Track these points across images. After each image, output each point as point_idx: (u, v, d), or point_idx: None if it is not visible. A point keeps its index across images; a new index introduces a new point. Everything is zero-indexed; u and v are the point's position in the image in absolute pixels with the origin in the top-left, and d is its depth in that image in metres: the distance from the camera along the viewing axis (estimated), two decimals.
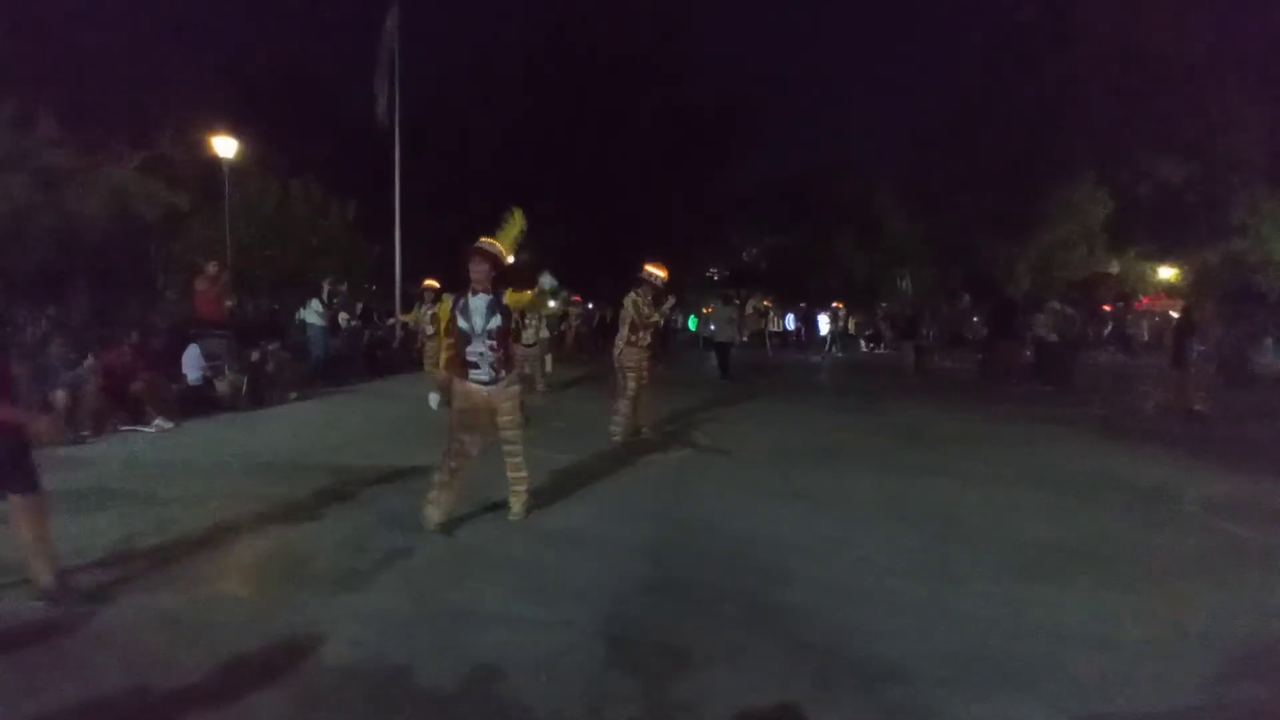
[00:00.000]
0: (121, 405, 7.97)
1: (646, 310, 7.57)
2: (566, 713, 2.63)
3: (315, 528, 4.73)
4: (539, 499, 5.07)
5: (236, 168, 14.92)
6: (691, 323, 20.30)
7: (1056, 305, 14.51)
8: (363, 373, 13.11)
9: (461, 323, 4.52)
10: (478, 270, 4.49)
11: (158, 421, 7.93)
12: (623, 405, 7.57)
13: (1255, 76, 21.20)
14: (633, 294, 7.64)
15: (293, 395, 10.33)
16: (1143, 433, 8.90)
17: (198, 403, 8.90)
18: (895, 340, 23.55)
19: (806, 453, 7.36)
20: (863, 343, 25.71)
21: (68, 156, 13.35)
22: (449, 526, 4.56)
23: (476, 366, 4.54)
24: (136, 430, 7.77)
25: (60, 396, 7.41)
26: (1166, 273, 25.91)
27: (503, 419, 4.67)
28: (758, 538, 4.59)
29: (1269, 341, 17.68)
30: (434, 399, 8.63)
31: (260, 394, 9.85)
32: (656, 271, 7.62)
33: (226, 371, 9.58)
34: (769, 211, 33.91)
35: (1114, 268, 24.36)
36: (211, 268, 11.01)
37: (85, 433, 7.41)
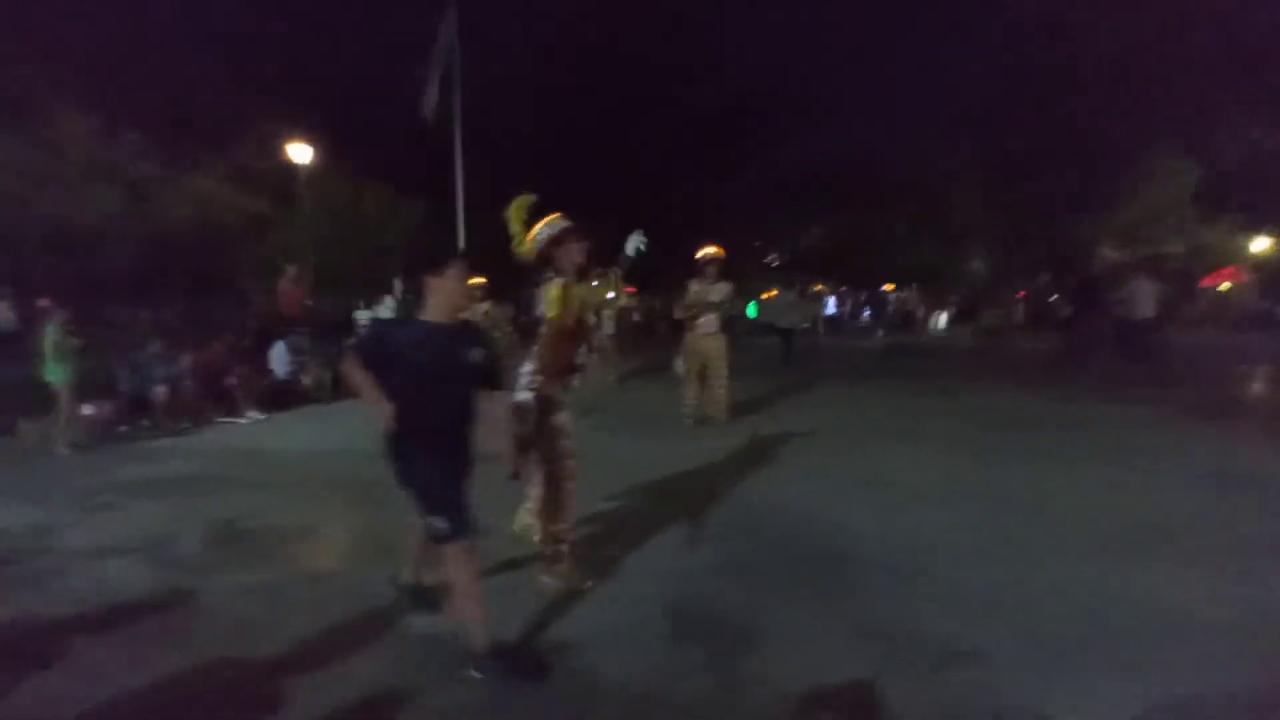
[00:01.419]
0: (217, 399, 8.52)
1: (703, 296, 7.60)
2: (641, 682, 2.72)
3: (398, 511, 4.93)
4: (606, 484, 5.16)
5: (311, 172, 15.59)
6: (751, 310, 20.01)
7: (1143, 280, 13.71)
8: None
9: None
10: (578, 252, 3.64)
11: (250, 413, 8.45)
12: (688, 391, 7.66)
13: None
14: (692, 282, 7.70)
15: None
16: (1232, 414, 8.40)
17: (286, 396, 9.43)
18: (955, 322, 22.73)
19: (875, 436, 7.24)
20: (935, 324, 24.79)
21: (153, 167, 14.21)
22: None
23: (580, 370, 3.76)
24: (231, 422, 8.29)
25: (160, 392, 7.98)
26: (1260, 244, 24.19)
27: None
28: (826, 521, 4.58)
29: None
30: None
31: (343, 387, 10.35)
32: (712, 252, 7.62)
33: (311, 366, 10.08)
34: (828, 195, 33.24)
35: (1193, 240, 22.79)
36: (291, 269, 11.56)
37: (185, 425, 7.96)
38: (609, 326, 11.09)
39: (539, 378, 3.56)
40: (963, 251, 28.61)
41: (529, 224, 3.69)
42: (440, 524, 2.77)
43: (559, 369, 3.58)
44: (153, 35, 16.89)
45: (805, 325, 20.86)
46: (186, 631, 3.22)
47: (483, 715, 2.55)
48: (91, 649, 3.05)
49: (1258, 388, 10.85)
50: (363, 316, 13.20)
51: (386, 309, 13.25)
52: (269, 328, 10.70)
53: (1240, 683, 2.68)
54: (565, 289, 3.54)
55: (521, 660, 2.80)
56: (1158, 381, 10.40)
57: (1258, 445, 6.62)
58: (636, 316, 12.27)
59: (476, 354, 2.86)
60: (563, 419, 3.59)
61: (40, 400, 7.25)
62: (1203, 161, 21.84)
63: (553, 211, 3.72)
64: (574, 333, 3.62)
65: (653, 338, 19.58)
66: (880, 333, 23.07)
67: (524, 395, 3.57)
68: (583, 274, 3.66)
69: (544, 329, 3.61)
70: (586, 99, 25.40)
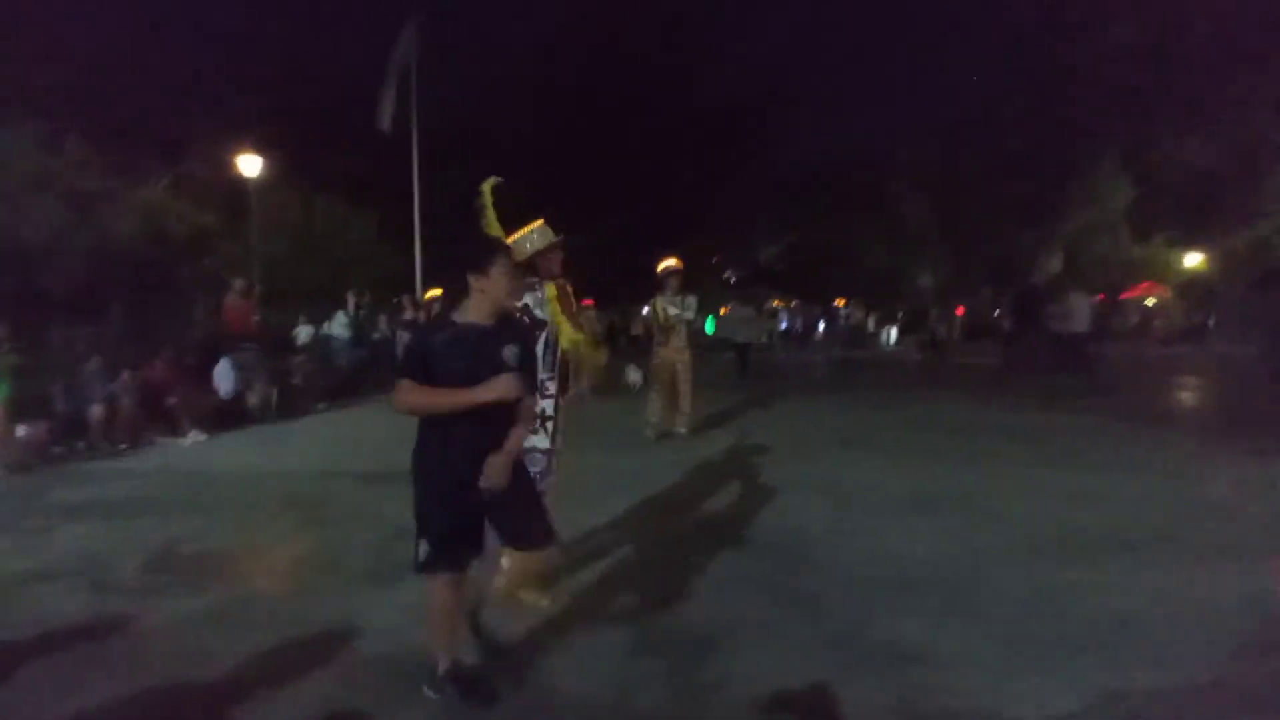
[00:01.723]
0: (157, 419, 8.21)
1: (672, 311, 7.64)
2: (598, 697, 2.69)
3: (346, 530, 4.85)
4: (568, 497, 5.12)
5: (261, 185, 15.24)
6: (709, 325, 20.10)
7: (1080, 295, 14.28)
8: (388, 384, 13.30)
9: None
10: (558, 263, 3.77)
11: (192, 434, 8.15)
12: (652, 405, 7.65)
13: None
14: (657, 297, 7.73)
15: (320, 406, 10.54)
16: (1169, 422, 8.79)
17: (230, 415, 9.11)
18: (901, 336, 23.23)
19: (830, 445, 7.37)
20: (886, 338, 25.34)
21: (98, 177, 13.72)
22: None
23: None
24: (172, 443, 7.99)
25: (97, 411, 7.66)
26: (1192, 259, 25.40)
27: None
28: (782, 528, 4.64)
29: None
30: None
31: (289, 405, 10.09)
32: (672, 265, 7.64)
33: (256, 384, 9.79)
34: (786, 210, 33.87)
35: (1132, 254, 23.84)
36: (239, 283, 11.26)
37: (123, 445, 7.65)
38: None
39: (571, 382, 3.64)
40: (912, 265, 29.39)
41: (505, 216, 3.62)
42: (422, 549, 2.58)
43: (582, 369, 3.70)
44: (100, 42, 16.36)
45: (763, 340, 21.13)
46: (125, 657, 3.08)
47: None
48: (26, 675, 2.90)
49: (1190, 396, 11.37)
50: (303, 333, 12.88)
51: (339, 325, 12.99)
52: (213, 344, 10.37)
53: (1183, 678, 2.77)
54: (562, 289, 3.62)
55: (477, 687, 2.67)
56: (1096, 392, 10.81)
57: (1197, 451, 6.93)
58: (595, 328, 12.28)
59: (510, 353, 2.56)
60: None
61: None
62: (1140, 178, 22.88)
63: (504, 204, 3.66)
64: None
65: (611, 351, 19.53)
66: (836, 349, 23.52)
67: (543, 403, 3.52)
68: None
69: (560, 338, 3.60)
70: (546, 109, 25.45)
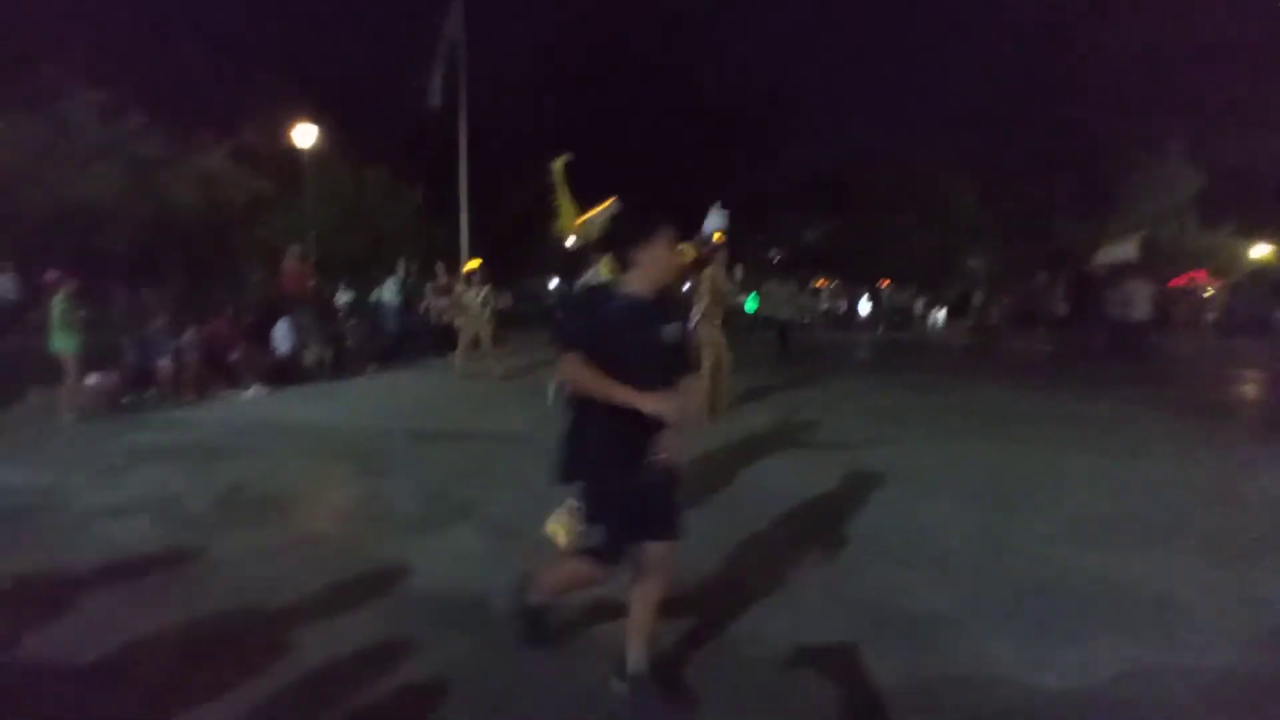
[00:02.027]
0: (220, 373, 8.63)
1: (725, 286, 7.17)
2: (621, 645, 2.81)
3: (396, 479, 5.09)
4: None
5: (314, 156, 15.62)
6: (750, 304, 19.93)
7: (1140, 282, 13.82)
8: (434, 349, 13.54)
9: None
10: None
11: (254, 388, 8.55)
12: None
13: None
14: (709, 269, 7.18)
15: (371, 367, 10.92)
16: (1220, 412, 8.52)
17: (288, 372, 9.53)
18: (950, 319, 22.75)
19: (868, 426, 7.35)
20: (934, 321, 24.81)
21: (158, 146, 14.24)
22: None
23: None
24: (235, 396, 8.39)
25: (165, 365, 8.08)
26: (1260, 250, 24.28)
27: None
28: (811, 501, 4.70)
29: None
30: None
31: (343, 365, 10.52)
32: (719, 240, 7.27)
33: (312, 344, 10.18)
34: (831, 194, 33.32)
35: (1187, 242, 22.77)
36: (296, 249, 11.64)
37: (189, 397, 8.07)
38: None
39: None
40: (962, 250, 28.70)
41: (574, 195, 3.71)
42: (597, 537, 2.40)
43: None
44: (161, 14, 16.88)
45: (804, 320, 20.94)
46: (194, 585, 3.33)
47: (478, 667, 2.65)
48: (102, 600, 3.16)
49: (1244, 389, 10.97)
50: (343, 299, 13.27)
51: (389, 291, 13.34)
52: (273, 305, 10.79)
53: (1205, 660, 2.80)
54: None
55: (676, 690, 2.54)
56: (1149, 380, 10.52)
57: (1238, 444, 6.74)
58: None
59: (672, 331, 2.44)
60: None
61: (46, 371, 7.35)
62: (1205, 167, 21.91)
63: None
64: None
65: None
66: (879, 330, 23.18)
67: None
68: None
69: None
70: (591, 96, 25.58)
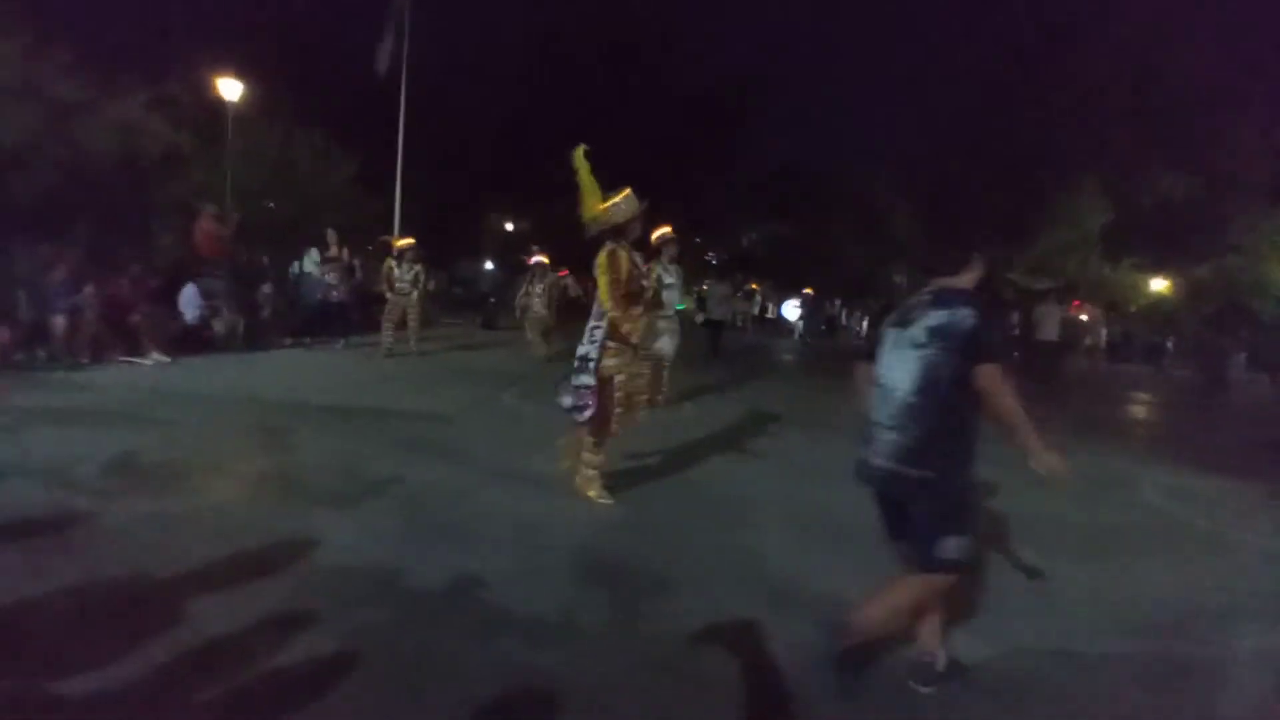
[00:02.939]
0: (120, 337, 8.11)
1: (667, 279, 6.91)
2: (543, 617, 2.84)
3: (308, 454, 4.93)
4: (534, 453, 5.22)
5: (240, 113, 14.83)
6: (678, 304, 20.12)
7: (1050, 305, 14.72)
8: (357, 325, 13.16)
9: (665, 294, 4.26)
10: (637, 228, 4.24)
11: (154, 355, 8.08)
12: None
13: (1263, 99, 21.38)
14: (654, 263, 7.00)
15: (287, 341, 10.48)
16: (1111, 430, 9.18)
17: (193, 341, 9.03)
18: (871, 329, 23.72)
19: (791, 423, 7.56)
20: (860, 329, 25.81)
21: (78, 88, 13.27)
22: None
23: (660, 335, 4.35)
24: (133, 362, 7.91)
25: (59, 322, 7.56)
26: (1158, 284, 26.15)
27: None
28: (732, 491, 4.83)
29: (1242, 357, 18.17)
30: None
31: (255, 337, 10.00)
32: (669, 233, 6.96)
33: (223, 312, 9.69)
34: (769, 198, 34.02)
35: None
36: (212, 208, 11.06)
37: (84, 359, 7.56)
38: (539, 304, 11.06)
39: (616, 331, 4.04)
40: (890, 264, 29.77)
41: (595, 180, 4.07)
42: (969, 549, 2.42)
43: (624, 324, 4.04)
44: None
45: (738, 323, 21.33)
46: (87, 549, 3.15)
47: (387, 638, 2.61)
48: None
49: (1134, 411, 11.84)
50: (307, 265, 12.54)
51: (311, 262, 12.84)
52: (179, 268, 10.21)
53: (1086, 647, 3.03)
54: (614, 254, 4.01)
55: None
56: (1053, 398, 11.20)
57: (1136, 457, 7.28)
58: (572, 293, 12.26)
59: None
60: (612, 367, 4.06)
61: None
62: (1116, 204, 23.37)
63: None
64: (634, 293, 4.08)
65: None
66: (806, 336, 23.90)
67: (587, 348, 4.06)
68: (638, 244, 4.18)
69: (607, 288, 4.00)
70: (539, 80, 25.17)
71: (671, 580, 3.28)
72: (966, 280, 2.55)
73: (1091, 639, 3.09)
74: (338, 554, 3.27)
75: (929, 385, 2.34)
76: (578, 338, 4.21)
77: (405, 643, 2.58)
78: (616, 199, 4.07)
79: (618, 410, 4.15)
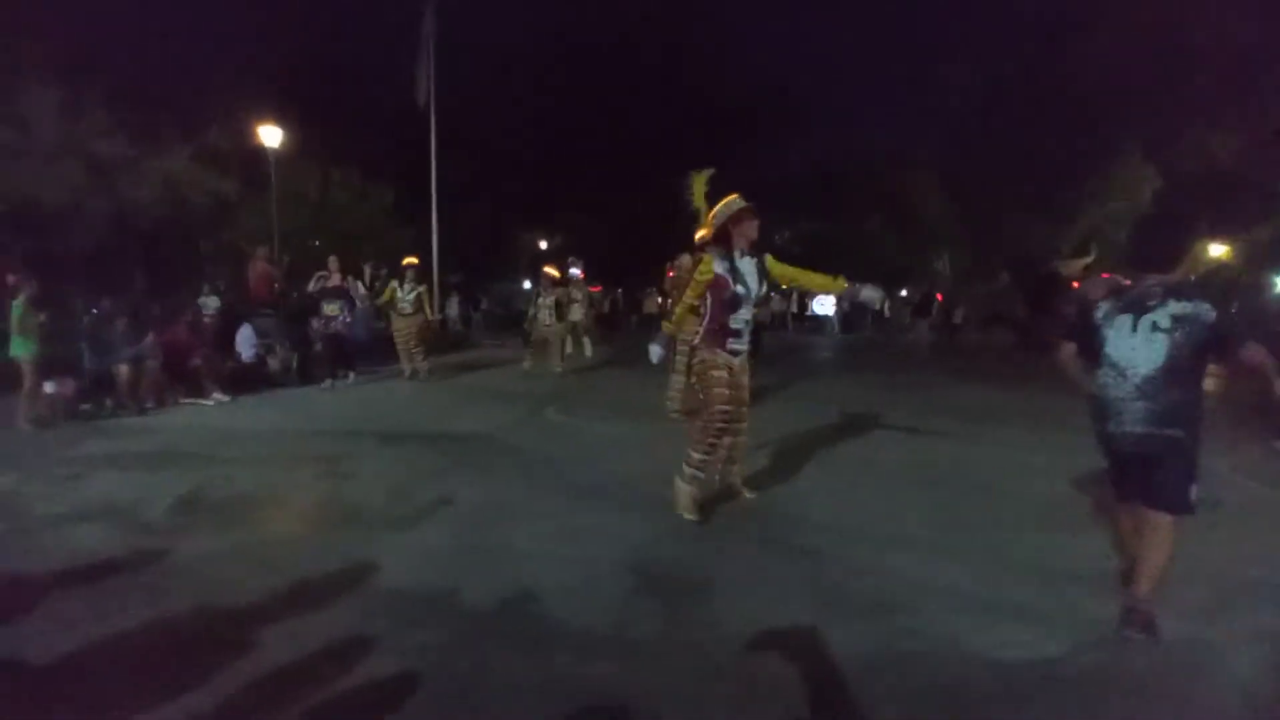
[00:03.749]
0: (181, 380, 8.46)
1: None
2: (595, 630, 2.87)
3: (365, 482, 5.06)
4: (582, 462, 5.28)
5: (280, 157, 15.40)
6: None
7: (1094, 281, 14.22)
8: (361, 358, 12.98)
9: (738, 287, 4.10)
10: (752, 229, 4.18)
11: (215, 395, 8.40)
12: (675, 380, 7.12)
13: None
14: (688, 258, 6.79)
15: (341, 373, 10.77)
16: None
17: (251, 379, 9.37)
18: (912, 320, 23.26)
19: (833, 422, 7.47)
20: (899, 321, 25.37)
21: (118, 145, 13.89)
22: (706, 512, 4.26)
23: (739, 335, 4.18)
24: (195, 403, 8.24)
25: (123, 371, 7.91)
26: (1216, 250, 25.10)
27: (747, 391, 4.35)
28: (781, 490, 4.80)
29: None
30: (655, 351, 7.01)
31: (308, 371, 10.30)
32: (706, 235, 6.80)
33: (277, 349, 10.03)
34: (801, 197, 33.69)
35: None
36: (263, 250, 11.44)
37: (149, 404, 7.91)
38: (576, 314, 11.16)
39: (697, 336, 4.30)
40: (928, 253, 29.22)
41: (709, 201, 4.26)
42: (1196, 493, 2.83)
43: (716, 329, 4.17)
44: (124, 10, 16.43)
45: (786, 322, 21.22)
46: (154, 588, 3.28)
47: (445, 657, 2.67)
48: (60, 603, 3.10)
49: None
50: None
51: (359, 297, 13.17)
52: (233, 310, 10.60)
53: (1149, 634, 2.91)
54: (705, 263, 4.16)
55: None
56: None
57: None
58: (605, 308, 12.37)
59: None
60: (717, 374, 4.14)
61: (3, 378, 7.16)
62: (1162, 172, 22.54)
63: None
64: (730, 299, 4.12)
65: (621, 330, 19.77)
66: (836, 330, 23.75)
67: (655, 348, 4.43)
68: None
69: (698, 296, 4.22)
70: (564, 96, 25.54)
71: (722, 587, 3.28)
72: (1181, 273, 2.92)
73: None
74: (395, 576, 3.36)
75: (1174, 362, 2.77)
76: (619, 349, 4.29)
77: (462, 662, 2.63)
78: (721, 205, 4.23)
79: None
